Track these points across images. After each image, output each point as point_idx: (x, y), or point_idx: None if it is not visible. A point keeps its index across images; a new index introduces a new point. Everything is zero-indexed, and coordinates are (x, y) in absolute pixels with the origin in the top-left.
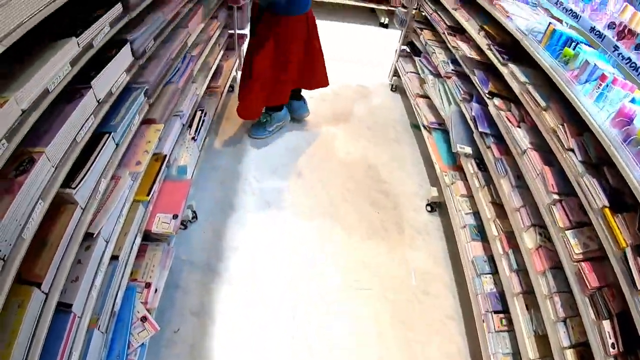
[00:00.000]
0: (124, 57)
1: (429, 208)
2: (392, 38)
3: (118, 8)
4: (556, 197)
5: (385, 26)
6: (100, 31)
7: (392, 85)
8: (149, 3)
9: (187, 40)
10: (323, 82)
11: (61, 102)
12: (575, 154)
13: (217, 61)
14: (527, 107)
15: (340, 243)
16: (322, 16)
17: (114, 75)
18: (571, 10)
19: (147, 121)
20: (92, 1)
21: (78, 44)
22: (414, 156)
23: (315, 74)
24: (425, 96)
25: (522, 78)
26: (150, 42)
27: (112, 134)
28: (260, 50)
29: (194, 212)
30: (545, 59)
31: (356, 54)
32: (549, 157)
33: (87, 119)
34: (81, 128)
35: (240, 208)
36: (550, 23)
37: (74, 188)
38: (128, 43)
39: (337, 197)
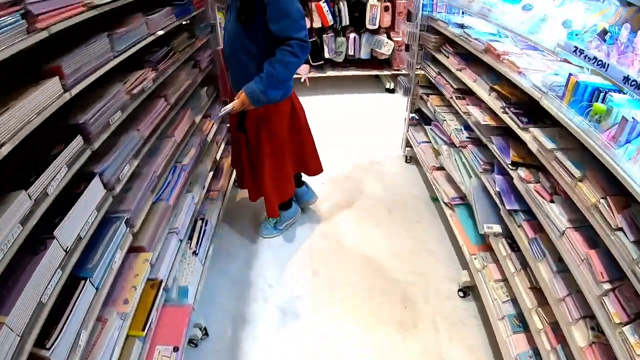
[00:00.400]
0: (93, 193)
1: (461, 294)
2: (400, 103)
3: (78, 141)
4: (607, 286)
5: (392, 91)
6: (55, 175)
7: (406, 157)
8: (116, 127)
9: (174, 150)
10: (317, 166)
11: (26, 254)
12: (625, 234)
13: (215, 160)
14: (559, 179)
15: (367, 349)
16: (325, 90)
17: (82, 217)
18: (595, 58)
19: (134, 249)
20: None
21: (29, 197)
22: (439, 235)
23: (306, 154)
24: (442, 168)
25: (549, 144)
26: (126, 167)
27: (90, 278)
28: (256, 146)
29: (203, 329)
30: (572, 119)
31: (365, 125)
32: (591, 233)
33: (54, 274)
34: (47, 287)
35: (253, 319)
36: (570, 74)
37: (49, 349)
38: (97, 176)
39: (359, 294)
